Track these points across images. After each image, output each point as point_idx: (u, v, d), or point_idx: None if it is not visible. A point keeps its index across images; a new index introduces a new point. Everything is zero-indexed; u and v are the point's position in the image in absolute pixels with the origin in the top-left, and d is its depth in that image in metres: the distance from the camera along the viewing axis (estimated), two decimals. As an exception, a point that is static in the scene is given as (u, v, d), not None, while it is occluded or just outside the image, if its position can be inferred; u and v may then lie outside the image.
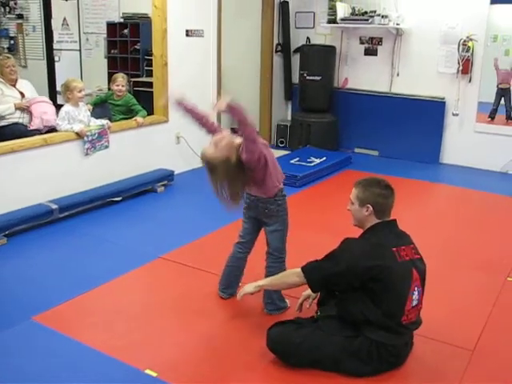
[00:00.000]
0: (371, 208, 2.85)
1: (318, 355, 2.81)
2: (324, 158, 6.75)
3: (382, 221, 2.88)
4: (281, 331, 2.91)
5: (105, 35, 9.28)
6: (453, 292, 3.79)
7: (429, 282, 3.84)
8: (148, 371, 2.84)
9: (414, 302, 2.80)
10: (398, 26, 7.08)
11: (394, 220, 2.95)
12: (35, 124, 5.48)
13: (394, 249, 2.78)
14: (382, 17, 7.05)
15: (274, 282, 3.10)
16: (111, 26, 9.05)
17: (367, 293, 2.74)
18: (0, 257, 4.22)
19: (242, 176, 3.15)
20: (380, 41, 7.43)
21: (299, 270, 2.90)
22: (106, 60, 9.27)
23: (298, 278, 2.90)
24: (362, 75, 7.67)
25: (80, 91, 5.32)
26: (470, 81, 6.87)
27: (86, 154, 5.33)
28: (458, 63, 6.82)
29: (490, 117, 7.38)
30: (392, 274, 2.71)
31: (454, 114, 7.05)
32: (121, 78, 6.00)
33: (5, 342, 3.10)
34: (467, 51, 6.72)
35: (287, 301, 3.52)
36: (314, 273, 2.85)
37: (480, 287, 3.89)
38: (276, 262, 3.41)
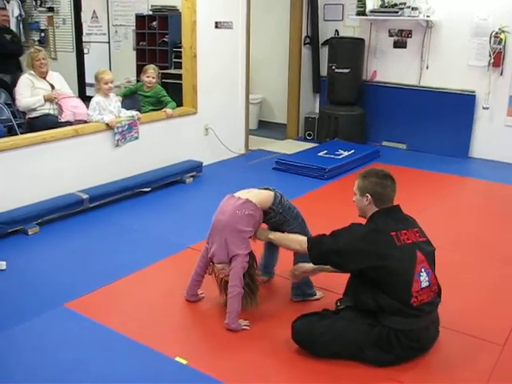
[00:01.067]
0: (370, 197, 2.93)
1: (342, 344, 2.84)
2: (352, 151, 6.72)
3: (381, 208, 2.93)
4: (305, 323, 2.95)
5: (133, 27, 9.35)
6: (482, 285, 3.76)
7: (456, 274, 3.87)
8: (178, 359, 2.87)
9: (424, 284, 2.81)
10: (428, 18, 7.00)
11: (397, 206, 3.00)
12: (66, 116, 5.52)
13: (393, 233, 2.83)
14: (412, 9, 6.97)
15: (281, 240, 3.27)
16: (140, 19, 9.12)
17: (372, 281, 2.80)
18: (33, 245, 4.30)
19: None
20: (409, 33, 7.36)
21: (305, 239, 3.05)
22: (134, 52, 9.35)
23: (300, 246, 3.07)
24: (390, 68, 7.61)
25: (106, 83, 5.37)
26: (501, 74, 6.77)
27: (117, 145, 5.38)
28: (490, 56, 6.72)
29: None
30: (390, 258, 2.76)
31: (484, 108, 6.96)
32: (152, 70, 6.04)
33: (38, 327, 3.16)
34: (499, 43, 6.62)
35: (317, 292, 3.53)
36: (315, 246, 2.98)
37: (510, 281, 3.85)
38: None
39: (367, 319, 2.84)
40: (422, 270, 2.82)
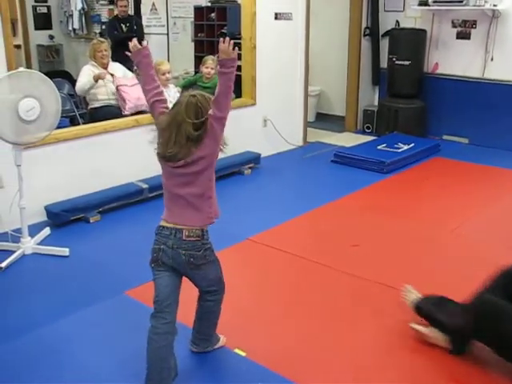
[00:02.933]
0: None
1: None
2: (412, 145, 6.58)
3: None
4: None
5: (192, 19, 9.38)
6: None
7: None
8: (237, 350, 2.87)
9: None
10: (494, 8, 6.77)
11: None
12: (129, 109, 5.59)
13: None
14: (478, -2, 6.77)
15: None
16: (198, 10, 9.14)
17: None
18: (94, 233, 4.39)
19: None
20: (474, 24, 7.13)
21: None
22: (192, 44, 9.39)
23: None
24: (453, 60, 7.40)
25: (164, 74, 5.41)
26: None
27: (177, 135, 5.41)
28: (559, 47, 6.48)
29: None
30: None
31: (551, 101, 6.72)
32: (211, 61, 6.05)
33: (99, 314, 3.22)
34: None
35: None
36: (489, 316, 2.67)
37: None
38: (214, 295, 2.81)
39: None
40: None
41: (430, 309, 2.94)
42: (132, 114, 5.49)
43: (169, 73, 5.50)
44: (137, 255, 3.95)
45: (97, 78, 5.62)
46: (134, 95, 5.61)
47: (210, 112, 2.41)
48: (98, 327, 3.09)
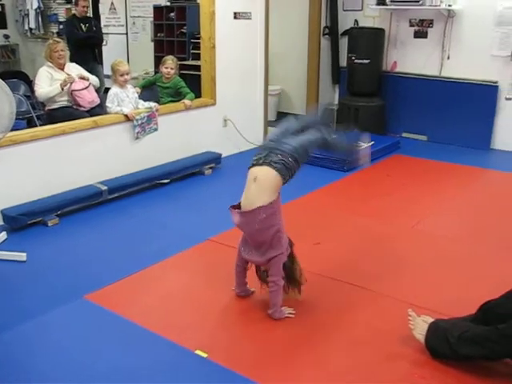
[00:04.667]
0: None
1: None
2: (372, 143, 6.61)
3: None
4: None
5: (151, 19, 9.33)
6: (503, 278, 3.70)
7: (476, 266, 3.82)
8: (198, 352, 2.84)
9: None
10: (449, 8, 6.88)
11: None
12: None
13: None
14: (434, -2, 6.88)
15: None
16: (158, 10, 9.10)
17: None
18: (53, 236, 4.31)
19: None
20: (431, 23, 7.25)
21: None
22: (152, 43, 9.33)
23: None
24: (411, 58, 7.50)
25: (122, 75, 5.37)
26: (525, 64, 6.66)
27: (137, 138, 5.37)
28: (513, 46, 6.61)
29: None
30: None
31: (507, 99, 6.84)
32: (170, 61, 6.00)
33: (58, 319, 3.16)
34: (523, 33, 6.51)
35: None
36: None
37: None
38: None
39: None
40: None
41: (448, 346, 2.68)
42: (91, 115, 5.42)
43: (127, 74, 5.45)
44: (96, 258, 3.93)
45: (63, 85, 5.54)
46: (88, 99, 5.58)
47: None
48: (58, 332, 3.03)
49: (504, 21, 6.63)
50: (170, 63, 5.99)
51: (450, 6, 6.86)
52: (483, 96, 6.98)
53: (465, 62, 7.05)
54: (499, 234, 4.42)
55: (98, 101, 5.77)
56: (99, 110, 5.68)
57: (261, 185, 3.00)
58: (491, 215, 4.82)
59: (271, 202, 2.98)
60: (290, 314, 3.18)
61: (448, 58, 7.21)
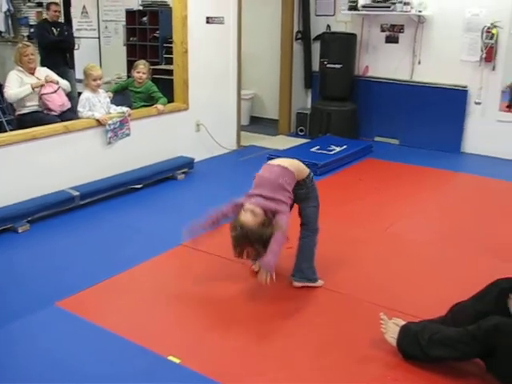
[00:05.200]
0: None
1: None
2: (344, 147, 6.70)
3: None
4: None
5: (124, 23, 9.28)
6: (473, 279, 3.74)
7: (448, 268, 3.87)
8: (171, 358, 2.83)
9: None
10: (420, 14, 6.98)
11: None
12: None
13: None
14: (404, 4, 6.94)
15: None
16: (130, 14, 9.05)
17: None
18: (23, 243, 4.25)
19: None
20: (402, 28, 7.34)
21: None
22: (124, 48, 9.28)
23: None
24: (382, 63, 7.59)
25: (95, 80, 5.33)
26: (493, 69, 6.75)
27: (109, 143, 5.33)
28: (482, 51, 6.71)
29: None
30: None
31: (476, 103, 6.96)
32: (142, 65, 5.98)
33: (29, 327, 3.12)
34: (491, 39, 6.60)
35: (319, 279, 3.60)
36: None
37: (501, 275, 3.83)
38: (309, 231, 3.56)
39: None
40: None
41: (420, 349, 2.72)
42: (62, 120, 5.37)
43: (100, 79, 5.41)
44: (68, 265, 3.89)
45: (35, 87, 5.47)
46: (58, 102, 5.53)
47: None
48: (28, 341, 2.99)
49: (472, 27, 6.75)
50: (142, 67, 5.97)
51: (420, 11, 6.96)
52: (453, 100, 7.09)
53: (435, 67, 7.16)
54: (470, 237, 4.49)
55: (68, 104, 5.72)
56: (71, 114, 5.61)
57: (294, 162, 3.52)
58: (462, 218, 4.89)
59: (294, 174, 3.40)
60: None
61: (419, 62, 7.30)
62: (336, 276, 3.73)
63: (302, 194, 3.48)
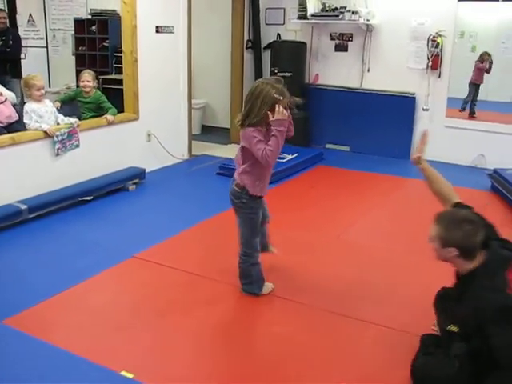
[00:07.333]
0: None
1: None
2: (296, 154, 6.74)
3: None
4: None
5: (72, 32, 9.14)
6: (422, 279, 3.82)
7: (394, 270, 3.93)
8: (124, 373, 2.79)
9: None
10: (368, 22, 7.11)
11: None
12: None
13: None
14: (353, 13, 7.06)
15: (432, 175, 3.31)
16: (79, 23, 8.92)
17: None
18: (-32, 259, 4.13)
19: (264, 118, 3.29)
20: (350, 37, 7.45)
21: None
22: (73, 57, 9.13)
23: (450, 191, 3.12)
24: (332, 71, 7.68)
25: (39, 89, 5.22)
26: (439, 76, 6.93)
27: (57, 155, 5.23)
28: (428, 59, 6.87)
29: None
30: None
31: (424, 109, 7.11)
32: (86, 74, 5.86)
33: (-25, 346, 3.03)
34: (436, 47, 6.78)
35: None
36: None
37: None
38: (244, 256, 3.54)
39: None
40: None
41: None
42: (9, 132, 5.25)
43: (43, 88, 5.30)
44: (15, 280, 3.79)
45: None
46: (5, 113, 5.40)
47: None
48: (-27, 361, 2.91)
49: (418, 36, 6.92)
50: (87, 76, 5.85)
51: (368, 20, 7.09)
52: (402, 107, 7.23)
53: (384, 75, 7.29)
54: (421, 242, 4.53)
55: (15, 116, 5.58)
56: (18, 126, 5.47)
57: None
58: (412, 223, 4.97)
59: None
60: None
61: (368, 70, 7.42)
62: (288, 283, 3.74)
63: (236, 203, 3.51)
